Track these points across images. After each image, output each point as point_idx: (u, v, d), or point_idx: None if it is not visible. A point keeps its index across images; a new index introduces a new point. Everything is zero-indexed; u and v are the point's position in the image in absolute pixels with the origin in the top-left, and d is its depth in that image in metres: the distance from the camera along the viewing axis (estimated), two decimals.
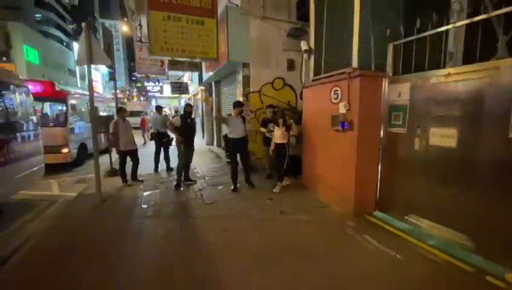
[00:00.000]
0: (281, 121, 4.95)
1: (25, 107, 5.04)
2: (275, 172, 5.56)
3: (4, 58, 24.98)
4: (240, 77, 6.92)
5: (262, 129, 5.75)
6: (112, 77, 7.63)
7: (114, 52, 7.86)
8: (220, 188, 5.43)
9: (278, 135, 4.94)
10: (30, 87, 6.94)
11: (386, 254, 2.97)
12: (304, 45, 5.04)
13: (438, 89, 3.18)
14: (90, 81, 4.45)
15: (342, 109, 3.96)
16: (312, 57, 5.00)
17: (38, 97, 7.21)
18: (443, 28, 3.20)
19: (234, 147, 5.29)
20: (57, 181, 6.37)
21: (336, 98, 4.18)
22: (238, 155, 5.34)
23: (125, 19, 15.34)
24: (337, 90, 4.14)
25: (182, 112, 6.45)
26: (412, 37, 3.46)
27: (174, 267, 2.75)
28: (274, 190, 5.04)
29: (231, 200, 4.70)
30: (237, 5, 6.42)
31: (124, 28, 20.70)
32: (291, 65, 7.05)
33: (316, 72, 4.88)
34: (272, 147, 5.05)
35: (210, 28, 5.97)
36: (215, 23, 5.99)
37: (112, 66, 6.90)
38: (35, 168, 5.05)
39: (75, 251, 3.11)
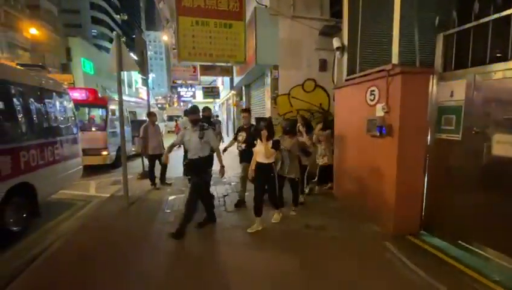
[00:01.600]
0: (263, 133, 3.45)
1: (66, 112, 5.41)
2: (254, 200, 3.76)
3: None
4: (268, 80, 6.68)
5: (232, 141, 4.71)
6: (146, 83, 7.94)
7: (157, 60, 8.22)
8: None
9: (261, 152, 3.54)
10: (76, 94, 7.59)
11: (436, 289, 2.43)
12: (336, 42, 4.61)
13: (505, 85, 2.56)
14: (120, 86, 4.58)
15: (380, 112, 3.47)
16: (345, 55, 4.55)
17: (84, 103, 7.85)
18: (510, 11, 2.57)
19: (189, 169, 3.73)
20: (95, 182, 6.77)
21: (372, 100, 3.69)
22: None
23: (163, 27, 16.16)
24: (374, 91, 3.65)
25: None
26: (469, 24, 2.87)
27: (182, 280, 2.57)
28: (272, 220, 3.88)
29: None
30: (266, 6, 6.22)
31: (165, 38, 22.04)
32: (323, 65, 6.62)
33: (350, 71, 4.41)
34: (252, 166, 3.73)
35: (238, 31, 5.87)
36: (243, 26, 5.88)
37: (144, 73, 7.18)
38: (74, 170, 5.38)
39: (97, 252, 3.15)
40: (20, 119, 3.84)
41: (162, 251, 3.17)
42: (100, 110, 8.34)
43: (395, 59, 3.32)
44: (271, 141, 3.51)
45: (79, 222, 4.18)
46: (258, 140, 3.60)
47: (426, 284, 2.49)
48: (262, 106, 7.74)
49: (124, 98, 11.95)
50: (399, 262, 2.85)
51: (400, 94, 3.15)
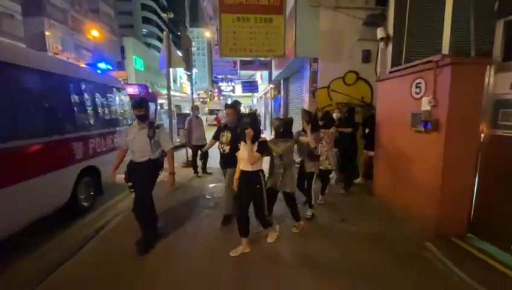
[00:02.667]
0: (248, 132, 2.74)
1: (123, 106, 6.10)
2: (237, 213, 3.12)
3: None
4: (307, 73, 6.64)
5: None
6: (190, 79, 8.46)
7: (199, 56, 8.74)
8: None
9: (244, 158, 2.82)
10: (130, 90, 8.44)
11: None
12: (380, 32, 4.42)
13: None
14: (169, 83, 5.02)
15: (426, 106, 3.28)
16: (390, 46, 4.33)
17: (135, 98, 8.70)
18: None
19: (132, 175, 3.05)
20: None
21: (418, 93, 3.49)
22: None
23: (206, 25, 16.81)
24: (419, 83, 3.45)
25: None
26: None
27: (220, 261, 2.82)
28: (268, 240, 3.18)
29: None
30: None
31: (207, 34, 22.93)
32: (367, 56, 6.32)
33: (395, 62, 4.20)
34: (236, 175, 2.99)
35: (278, 25, 5.93)
36: (283, 20, 5.91)
37: (188, 69, 7.66)
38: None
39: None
40: (88, 111, 4.49)
41: (201, 228, 3.56)
42: (150, 104, 9.15)
43: (445, 49, 3.11)
44: (256, 143, 2.79)
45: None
46: (242, 142, 2.88)
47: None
48: (301, 99, 7.72)
49: (175, 93, 12.85)
50: (441, 263, 2.73)
51: (449, 87, 2.95)
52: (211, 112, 25.75)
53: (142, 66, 37.18)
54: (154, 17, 54.37)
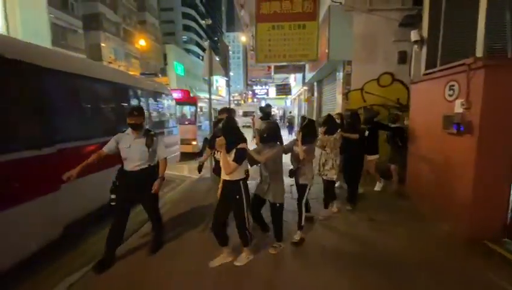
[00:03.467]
0: (219, 141, 2.52)
1: (170, 109, 6.87)
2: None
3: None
4: (340, 75, 6.75)
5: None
6: (227, 84, 9.03)
7: (234, 59, 9.31)
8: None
9: (223, 166, 2.59)
10: (174, 94, 9.31)
11: None
12: (414, 35, 4.43)
13: None
14: (210, 89, 5.57)
15: (458, 108, 3.29)
16: (424, 48, 4.32)
17: (179, 102, 9.56)
18: None
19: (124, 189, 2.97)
20: (187, 166, 8.27)
21: (451, 95, 3.50)
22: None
23: (243, 31, 17.48)
24: (453, 86, 3.46)
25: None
26: None
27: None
28: (236, 262, 2.83)
29: (319, 198, 4.49)
30: (341, 3, 6.28)
31: (243, 39, 23.75)
32: (403, 58, 6.24)
33: (429, 64, 4.19)
34: (219, 184, 2.79)
35: (311, 31, 6.18)
36: (316, 25, 6.14)
37: (226, 76, 8.23)
38: (175, 154, 6.82)
39: (190, 217, 4.15)
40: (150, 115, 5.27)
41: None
42: (191, 107, 9.98)
43: (479, 50, 3.10)
44: (234, 151, 2.56)
45: (178, 195, 5.39)
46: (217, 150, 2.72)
47: None
48: (334, 101, 7.81)
49: (207, 96, 13.70)
50: (474, 269, 2.72)
51: (482, 89, 2.95)
52: (245, 114, 26.56)
53: (182, 71, 39.56)
54: (194, 24, 57.40)
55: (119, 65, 24.70)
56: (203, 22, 61.04)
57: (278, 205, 2.97)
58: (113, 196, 2.97)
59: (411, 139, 4.67)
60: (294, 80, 14.65)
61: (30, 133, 2.75)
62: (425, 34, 4.30)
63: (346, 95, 6.58)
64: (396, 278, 2.60)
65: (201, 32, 62.27)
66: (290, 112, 21.58)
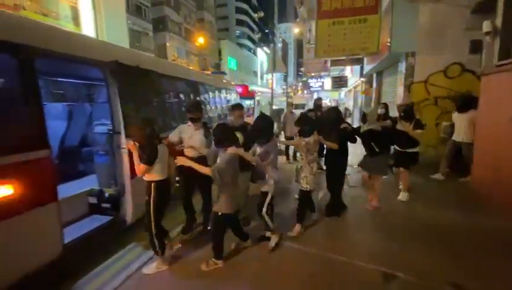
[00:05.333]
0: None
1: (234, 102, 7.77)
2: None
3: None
4: (402, 67, 6.67)
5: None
6: (285, 78, 9.54)
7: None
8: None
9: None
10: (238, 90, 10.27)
11: None
12: (486, 26, 4.28)
13: None
14: (272, 87, 6.20)
15: None
16: (498, 37, 4.17)
17: (241, 96, 10.49)
18: None
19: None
20: None
21: None
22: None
23: (297, 20, 17.53)
24: None
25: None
26: None
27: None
28: (143, 270, 2.64)
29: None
30: None
31: (296, 30, 23.77)
32: (475, 47, 5.88)
33: (503, 55, 4.05)
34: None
35: (372, 24, 6.25)
36: (378, 18, 6.20)
37: (285, 70, 8.76)
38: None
39: None
40: (214, 107, 6.17)
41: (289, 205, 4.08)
42: (250, 100, 10.83)
43: None
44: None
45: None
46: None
47: None
48: (394, 93, 7.69)
49: (263, 89, 14.43)
50: None
51: None
52: (296, 106, 26.65)
53: (235, 66, 41.23)
54: (246, 18, 58.64)
55: (181, 62, 27.21)
56: (255, 15, 61.83)
57: (219, 214, 2.61)
58: (177, 178, 3.69)
59: (478, 132, 4.55)
60: (351, 72, 14.31)
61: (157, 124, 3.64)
62: (499, 21, 4.12)
63: (408, 88, 6.51)
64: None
65: (253, 26, 63.21)
66: (344, 104, 20.98)
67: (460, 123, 5.02)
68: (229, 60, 39.62)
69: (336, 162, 3.62)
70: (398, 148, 4.38)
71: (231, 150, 2.54)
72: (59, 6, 9.04)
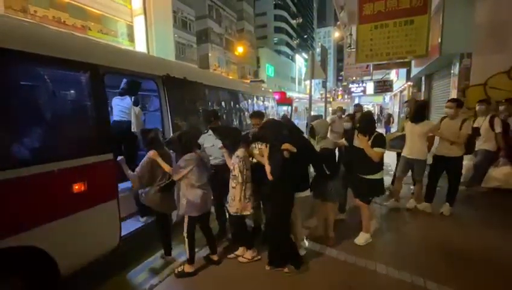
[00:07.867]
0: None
1: (273, 109, 7.88)
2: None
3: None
4: (455, 69, 6.12)
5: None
6: (323, 84, 9.41)
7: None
8: None
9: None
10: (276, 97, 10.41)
11: None
12: None
13: None
14: (310, 93, 6.17)
15: None
16: None
17: (279, 102, 10.59)
18: None
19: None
20: None
21: None
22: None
23: (337, 23, 17.15)
24: None
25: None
26: None
27: None
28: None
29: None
30: None
31: (336, 34, 23.26)
32: None
33: None
34: None
35: (420, 26, 5.87)
36: (426, 19, 5.81)
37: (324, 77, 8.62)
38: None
39: None
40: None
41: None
42: (288, 107, 10.88)
43: None
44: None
45: None
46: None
47: None
48: (446, 98, 7.05)
49: (300, 95, 14.40)
50: None
51: None
52: (335, 112, 25.77)
53: (272, 72, 41.73)
54: (284, 25, 59.08)
55: (221, 71, 28.38)
56: (293, 22, 62.00)
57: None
58: None
59: None
60: (396, 75, 13.45)
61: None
62: None
63: (463, 91, 5.94)
64: None
65: (292, 32, 63.35)
66: (388, 109, 19.72)
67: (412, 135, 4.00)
68: (267, 67, 40.22)
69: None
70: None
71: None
72: (117, 25, 10.35)
